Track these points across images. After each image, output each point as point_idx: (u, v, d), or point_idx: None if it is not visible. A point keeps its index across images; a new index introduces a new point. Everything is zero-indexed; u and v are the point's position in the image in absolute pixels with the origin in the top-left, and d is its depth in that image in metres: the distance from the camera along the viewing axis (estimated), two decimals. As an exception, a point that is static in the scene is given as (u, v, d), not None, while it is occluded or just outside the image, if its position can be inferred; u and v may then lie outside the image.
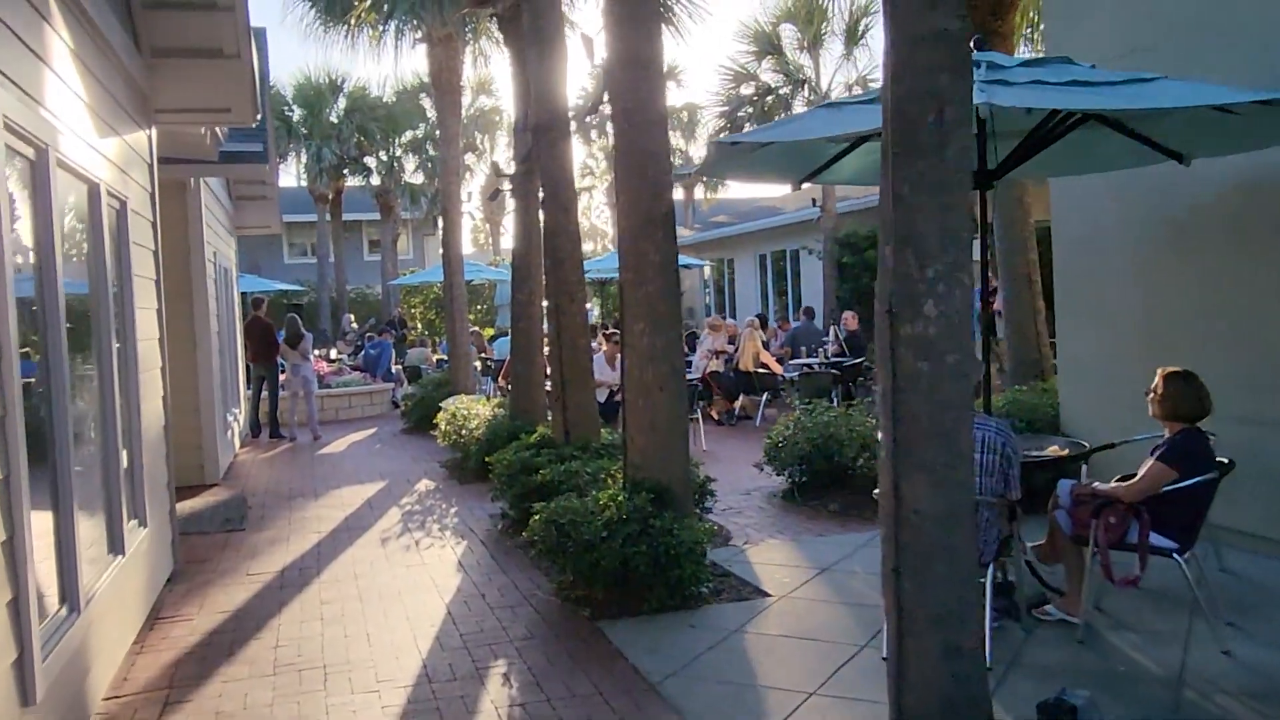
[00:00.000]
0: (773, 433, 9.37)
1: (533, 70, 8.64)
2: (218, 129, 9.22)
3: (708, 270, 31.00)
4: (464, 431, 11.18)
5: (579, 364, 8.60)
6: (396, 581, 6.99)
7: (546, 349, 12.21)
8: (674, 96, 33.19)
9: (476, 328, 20.46)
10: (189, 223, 10.91)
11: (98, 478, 5.36)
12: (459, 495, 10.10)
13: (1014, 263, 10.09)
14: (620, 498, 6.25)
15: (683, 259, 25.52)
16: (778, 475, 9.34)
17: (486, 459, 8.98)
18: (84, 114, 5.21)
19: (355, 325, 26.73)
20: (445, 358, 19.23)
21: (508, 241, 47.17)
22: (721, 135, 20.46)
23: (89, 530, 5.01)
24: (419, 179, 31.45)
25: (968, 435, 3.63)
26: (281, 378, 15.57)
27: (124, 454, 5.71)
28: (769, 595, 6.26)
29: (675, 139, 34.59)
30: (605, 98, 7.09)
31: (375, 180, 30.74)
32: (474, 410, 11.58)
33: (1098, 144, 6.52)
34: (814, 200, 20.24)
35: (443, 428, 11.80)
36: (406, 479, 11.19)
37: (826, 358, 14.44)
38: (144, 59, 6.93)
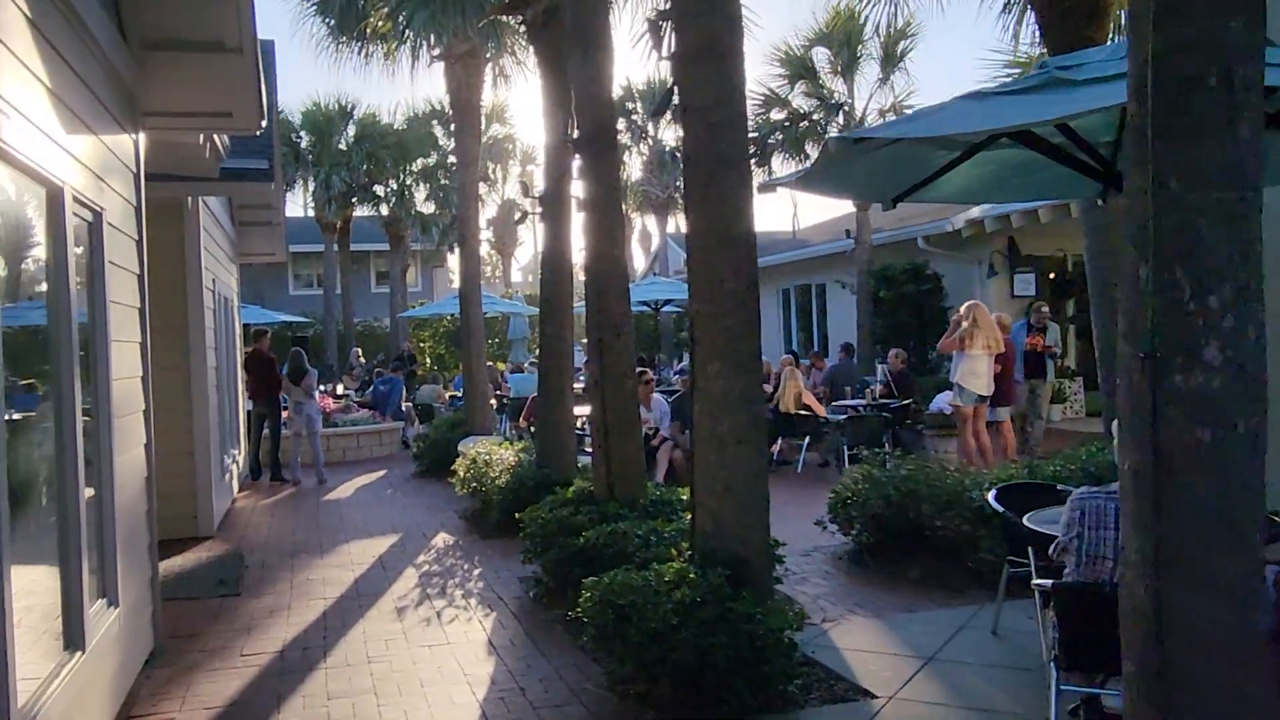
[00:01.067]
0: (839, 487, 8.29)
1: (575, 75, 7.64)
2: (218, 139, 8.22)
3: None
4: (485, 480, 10.09)
5: (625, 409, 7.54)
6: (417, 667, 5.89)
7: (579, 387, 11.29)
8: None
9: (492, 363, 19.42)
10: (186, 246, 9.89)
11: (50, 555, 4.29)
12: (482, 553, 9.00)
13: (1108, 296, 9.03)
14: (691, 574, 5.17)
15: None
16: (843, 535, 8.25)
17: (516, 515, 7.89)
18: (43, 100, 4.19)
19: (363, 360, 25.70)
20: (459, 395, 18.19)
21: (517, 275, 46.08)
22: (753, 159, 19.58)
23: (35, 625, 3.94)
24: (430, 209, 30.53)
25: (1260, 531, 2.56)
26: (284, 415, 14.51)
27: (86, 521, 4.63)
28: (873, 696, 5.15)
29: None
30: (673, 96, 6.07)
31: (384, 210, 29.84)
32: (496, 455, 10.50)
33: None
34: (848, 231, 19.27)
35: (461, 474, 10.72)
36: (422, 532, 10.09)
37: (873, 398, 13.36)
38: (131, 50, 5.92)
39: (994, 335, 11.52)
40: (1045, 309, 13.31)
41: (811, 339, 24.89)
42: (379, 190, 29.27)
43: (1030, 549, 5.37)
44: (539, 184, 13.41)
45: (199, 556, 9.07)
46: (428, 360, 29.15)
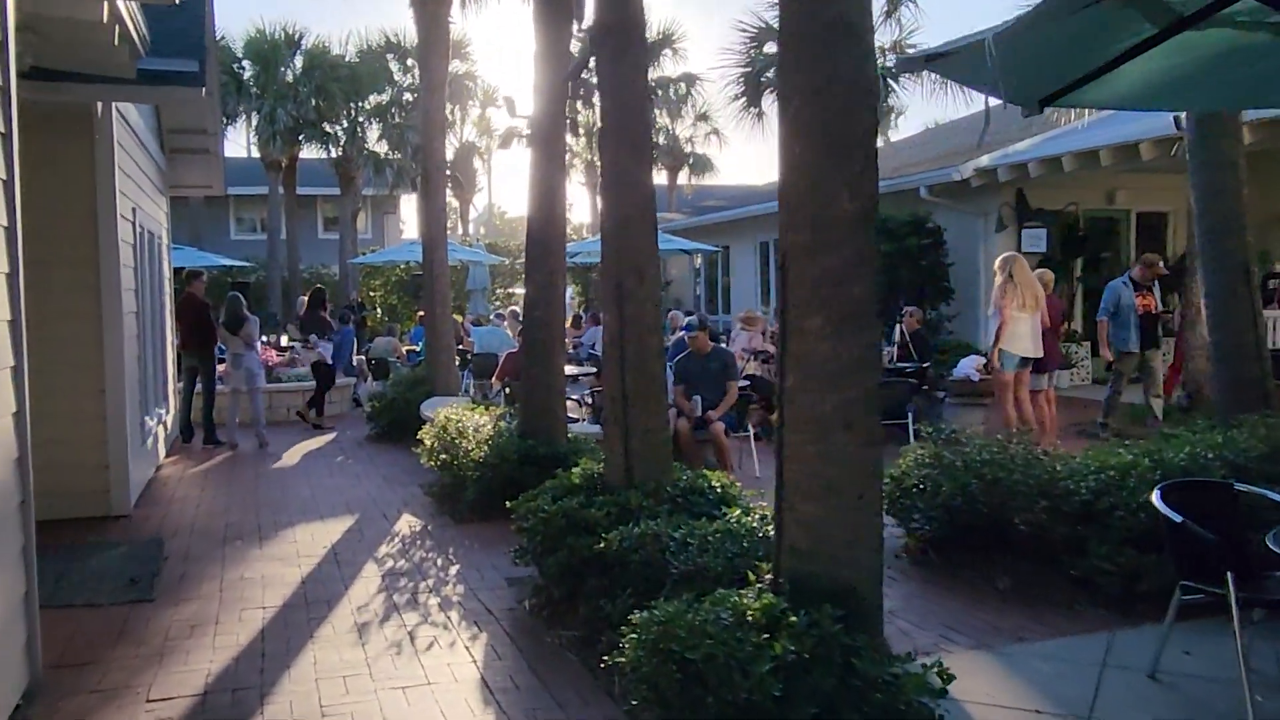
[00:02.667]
0: (898, 469, 6.85)
1: (592, -53, 5.99)
2: (131, 24, 6.47)
3: (698, 258, 28.47)
4: (457, 452, 8.50)
5: (649, 372, 5.97)
6: (389, 724, 4.35)
7: (572, 348, 9.78)
8: (669, 67, 30.44)
9: (460, 316, 17.68)
10: (96, 164, 8.09)
11: None
12: (458, 544, 7.44)
13: (1223, 247, 7.62)
14: (786, 613, 3.67)
15: (680, 242, 22.91)
16: (899, 526, 6.83)
17: (508, 503, 6.33)
18: None
19: (309, 309, 23.82)
20: (417, 349, 16.51)
21: (472, 226, 44.09)
22: (740, 100, 17.95)
23: None
24: (383, 149, 28.50)
25: None
26: (220, 369, 12.76)
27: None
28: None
29: (661, 117, 31.99)
30: None
31: (334, 152, 27.78)
32: (469, 422, 8.91)
33: None
34: (844, 179, 17.77)
35: (428, 444, 9.10)
36: (383, 512, 8.49)
37: (891, 362, 11.93)
38: None
39: (1034, 292, 10.11)
40: (1159, 262, 11.84)
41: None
42: (328, 129, 27.19)
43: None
44: (520, 113, 11.69)
45: (107, 544, 7.40)
46: (378, 311, 27.25)
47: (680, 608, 3.85)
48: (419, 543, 7.47)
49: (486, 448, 8.22)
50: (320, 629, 5.54)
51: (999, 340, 10.03)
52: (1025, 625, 5.39)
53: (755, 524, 5.22)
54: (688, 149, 33.76)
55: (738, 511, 5.51)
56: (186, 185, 14.96)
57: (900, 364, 11.85)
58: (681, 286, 28.84)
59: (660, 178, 34.28)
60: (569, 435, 8.56)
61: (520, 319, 21.76)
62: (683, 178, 34.63)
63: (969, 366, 11.44)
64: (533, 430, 8.35)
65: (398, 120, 27.15)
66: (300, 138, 27.08)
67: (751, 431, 9.97)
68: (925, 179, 16.99)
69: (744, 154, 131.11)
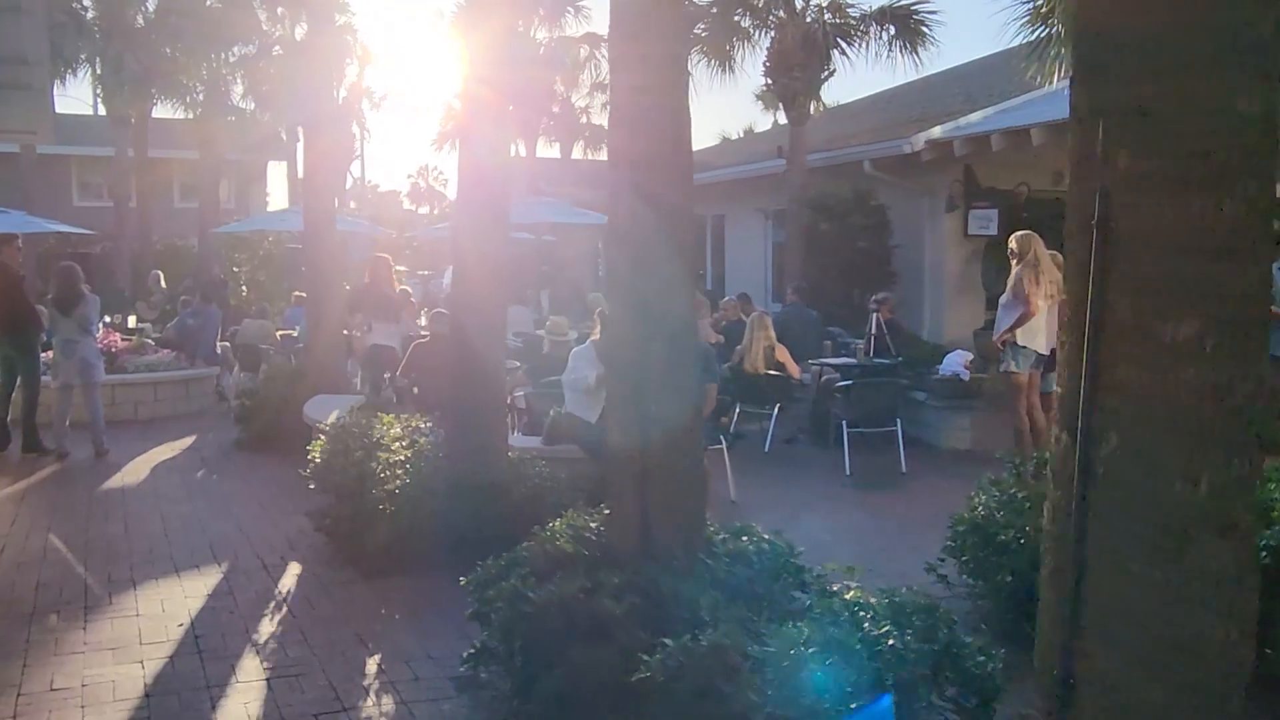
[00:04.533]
0: (969, 513, 5.13)
1: None
2: None
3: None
4: (362, 477, 6.38)
5: (679, 381, 4.04)
6: None
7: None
8: (570, 26, 28.08)
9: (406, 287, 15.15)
10: None
11: None
12: (371, 613, 5.38)
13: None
14: None
15: (594, 216, 20.86)
16: (973, 582, 5.12)
17: (462, 580, 4.35)
18: None
19: (164, 285, 20.94)
20: (295, 335, 14.13)
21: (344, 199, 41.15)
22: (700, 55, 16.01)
23: None
24: (250, 107, 25.53)
25: None
26: (45, 358, 10.26)
27: None
28: None
29: (557, 84, 29.81)
30: None
31: (193, 110, 24.74)
32: (376, 434, 6.82)
33: None
34: (780, 149, 16.06)
35: (319, 460, 6.92)
36: (261, 559, 6.34)
37: (867, 356, 10.22)
38: None
39: (1055, 278, 8.54)
40: None
41: (706, 280, 21.72)
42: (186, 81, 24.13)
43: None
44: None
45: None
46: (243, 288, 24.34)
47: None
48: (316, 612, 5.38)
49: (404, 473, 6.17)
50: (173, 802, 3.46)
51: (1017, 335, 8.44)
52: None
53: (874, 628, 3.39)
54: (583, 120, 31.69)
55: (825, 599, 3.67)
56: (4, 130, 12.25)
57: (878, 359, 10.17)
58: (579, 265, 26.83)
59: (553, 150, 32.12)
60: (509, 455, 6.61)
61: (412, 299, 19.45)
62: (578, 151, 32.51)
63: (957, 363, 9.85)
64: (464, 450, 6.37)
65: (269, 74, 24.25)
66: (153, 91, 23.97)
67: (724, 443, 8.12)
68: (870, 152, 15.41)
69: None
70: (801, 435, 10.52)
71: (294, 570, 6.13)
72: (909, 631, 3.49)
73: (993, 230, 14.99)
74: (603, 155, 33.47)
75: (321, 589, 5.77)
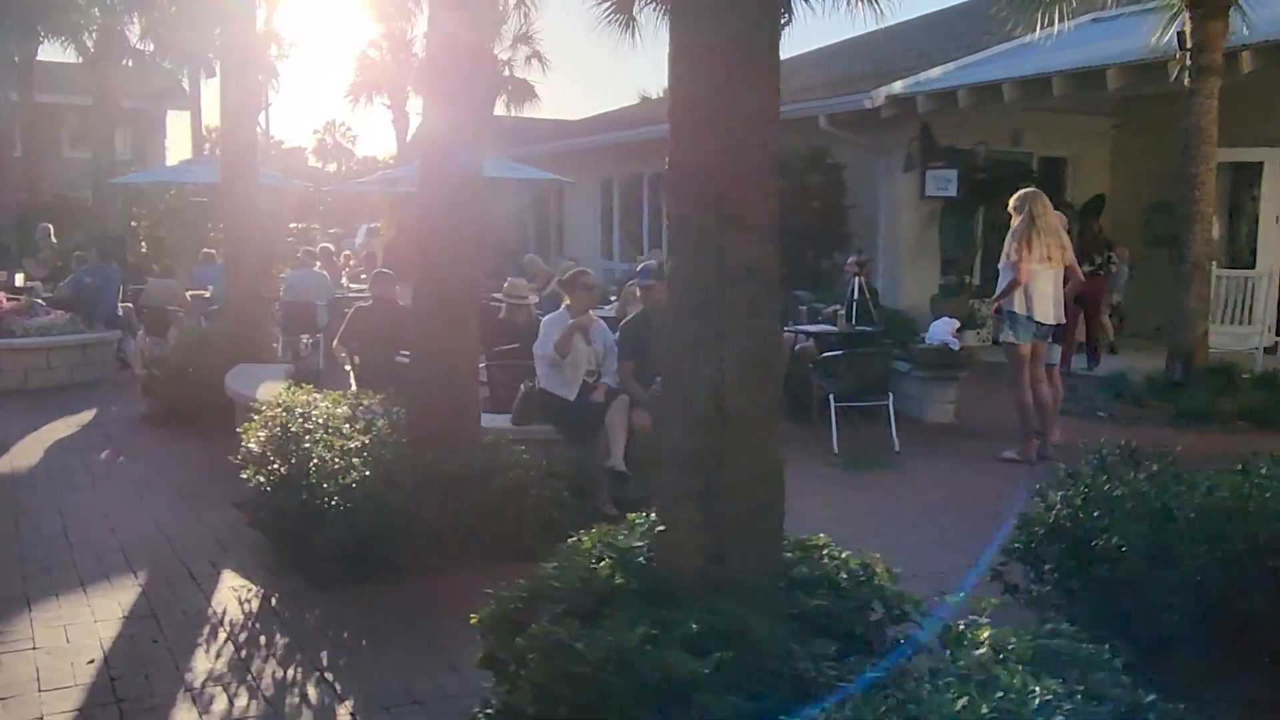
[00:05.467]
0: (1036, 515, 4.38)
1: None
2: None
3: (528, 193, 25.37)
4: (310, 469, 5.35)
5: (765, 364, 3.15)
6: None
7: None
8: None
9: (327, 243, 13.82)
10: None
11: None
12: (331, 638, 4.42)
13: None
14: None
15: (529, 170, 19.71)
16: (1039, 587, 4.37)
17: (474, 617, 3.41)
18: None
19: (55, 240, 19.15)
20: (207, 295, 12.84)
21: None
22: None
23: None
24: (148, 48, 23.58)
25: None
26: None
27: None
28: None
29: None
30: None
31: (86, 48, 22.77)
32: (322, 416, 5.79)
33: None
34: (732, 103, 15.10)
35: (255, 448, 5.85)
36: (188, 565, 5.28)
37: (849, 324, 9.43)
38: None
39: (1059, 240, 7.86)
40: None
41: (641, 244, 20.76)
42: (77, 19, 22.16)
43: None
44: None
45: None
46: (143, 245, 22.54)
47: None
48: (262, 638, 4.38)
49: (360, 462, 5.18)
50: None
51: (1010, 301, 7.74)
52: None
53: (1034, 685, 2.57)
54: (506, 74, 30.28)
55: (958, 646, 2.83)
56: None
57: (860, 327, 9.41)
58: (506, 225, 25.64)
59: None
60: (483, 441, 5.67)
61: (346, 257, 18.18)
62: (500, 106, 31.06)
63: (944, 331, 9.14)
64: (431, 434, 5.41)
65: (172, 10, 22.34)
66: (40, 29, 21.98)
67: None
68: (826, 107, 14.59)
69: (568, 86, 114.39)
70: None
71: (229, 580, 5.10)
72: (1078, 689, 2.69)
73: (951, 191, 14.36)
74: (528, 112, 32.14)
75: (265, 606, 4.77)
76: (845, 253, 14.75)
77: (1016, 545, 4.58)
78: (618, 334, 6.74)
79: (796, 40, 13.39)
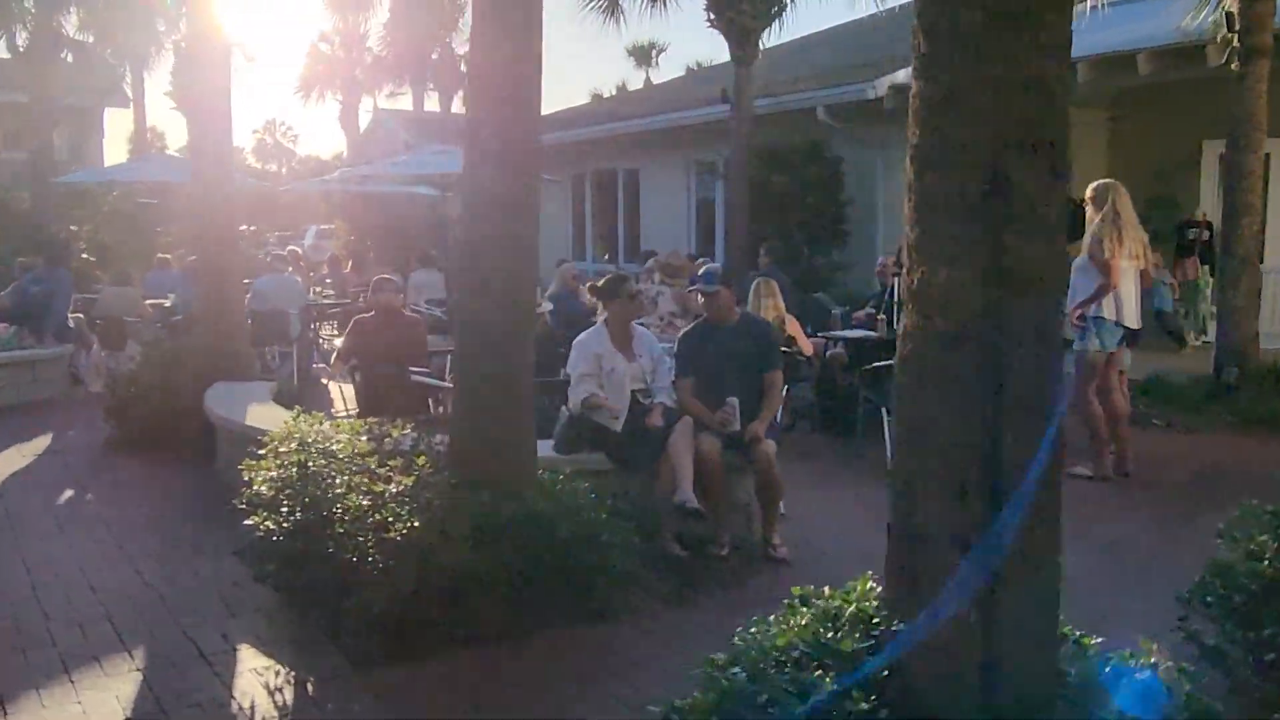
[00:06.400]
0: (1256, 548, 3.64)
1: None
2: None
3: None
4: (332, 511, 4.45)
5: (1050, 376, 2.35)
6: None
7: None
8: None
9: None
10: None
11: None
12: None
13: None
14: None
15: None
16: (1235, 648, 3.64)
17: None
18: None
19: (-9, 246, 17.80)
20: (165, 302, 11.80)
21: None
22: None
23: None
24: (88, 40, 22.18)
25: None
26: None
27: None
28: None
29: (436, 29, 27.35)
30: None
31: (20, 40, 21.37)
32: (346, 449, 4.89)
33: None
34: (724, 92, 14.34)
35: (266, 490, 4.90)
36: (195, 644, 4.33)
37: (890, 328, 8.69)
38: None
39: (1140, 236, 7.20)
40: None
41: (616, 246, 19.94)
42: (11, 7, 20.74)
43: None
44: None
45: None
46: (84, 251, 21.17)
47: None
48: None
49: (407, 511, 4.30)
50: None
51: (1098, 306, 7.05)
52: None
53: None
54: (463, 69, 29.23)
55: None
56: None
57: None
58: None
59: (431, 103, 29.57)
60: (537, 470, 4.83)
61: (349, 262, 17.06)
62: (457, 104, 30.02)
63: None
64: (483, 471, 4.54)
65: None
66: (-33, 20, 20.57)
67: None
68: (825, 97, 13.89)
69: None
70: (802, 421, 8.97)
71: (248, 659, 4.18)
72: None
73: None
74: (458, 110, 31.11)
75: (300, 694, 3.87)
76: (843, 251, 14.09)
77: (1209, 598, 3.84)
78: (674, 346, 5.91)
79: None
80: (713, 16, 13.68)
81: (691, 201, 17.51)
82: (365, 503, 4.37)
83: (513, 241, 4.55)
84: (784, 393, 7.80)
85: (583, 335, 5.79)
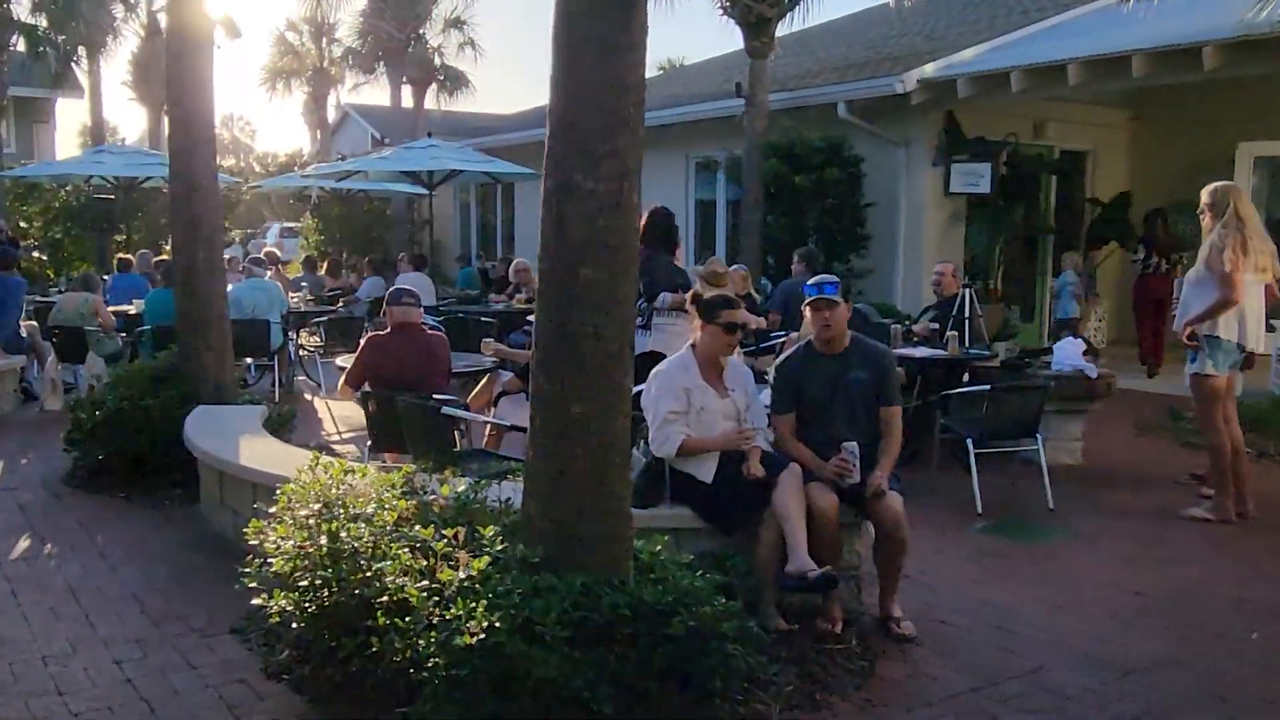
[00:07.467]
0: None
1: None
2: None
3: (468, 194, 23.32)
4: (372, 597, 3.42)
5: None
6: None
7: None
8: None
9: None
10: None
11: None
12: None
13: None
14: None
15: (500, 164, 17.45)
16: None
17: None
18: None
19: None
20: (131, 310, 10.64)
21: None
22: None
23: None
24: (40, 23, 20.79)
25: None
26: None
27: None
28: None
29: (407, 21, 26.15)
30: None
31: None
32: (384, 518, 3.85)
33: None
34: (738, 86, 13.37)
35: (284, 567, 3.85)
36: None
37: (963, 348, 7.71)
38: None
39: (1268, 246, 6.34)
40: None
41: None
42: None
43: None
44: None
45: None
46: (35, 250, 19.79)
47: None
48: None
49: (483, 608, 3.27)
50: None
51: (1215, 324, 6.18)
52: None
53: None
54: (437, 61, 28.09)
55: None
56: None
57: (973, 350, 7.74)
58: (445, 226, 23.51)
59: (404, 97, 28.28)
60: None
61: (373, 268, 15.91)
62: (430, 100, 28.74)
63: (1075, 354, 7.54)
64: (568, 543, 3.53)
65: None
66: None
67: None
68: (846, 91, 12.97)
69: (502, 79, 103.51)
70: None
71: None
72: None
73: (984, 188, 12.89)
74: (460, 105, 29.88)
75: None
76: (863, 256, 13.17)
77: None
78: (771, 375, 4.91)
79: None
80: (727, 4, 12.72)
81: (688, 201, 16.53)
82: (423, 594, 3.35)
83: (610, 256, 3.53)
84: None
85: (664, 364, 4.77)
